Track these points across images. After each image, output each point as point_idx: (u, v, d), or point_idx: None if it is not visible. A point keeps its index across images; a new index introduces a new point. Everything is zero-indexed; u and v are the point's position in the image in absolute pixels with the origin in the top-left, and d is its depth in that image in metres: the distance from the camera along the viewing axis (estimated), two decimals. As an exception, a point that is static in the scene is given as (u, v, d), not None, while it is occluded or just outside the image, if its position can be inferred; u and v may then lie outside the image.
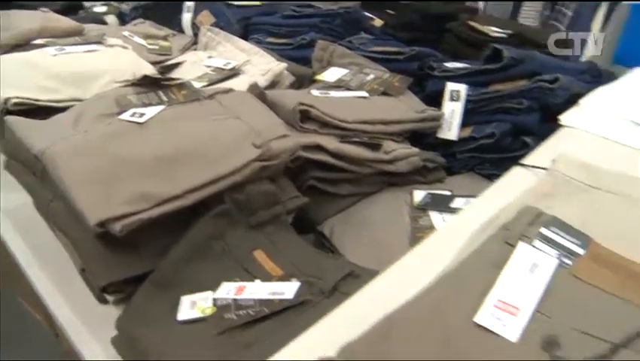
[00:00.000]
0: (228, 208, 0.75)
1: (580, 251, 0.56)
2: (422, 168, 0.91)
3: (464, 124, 0.97)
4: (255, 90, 0.95)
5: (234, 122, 0.85)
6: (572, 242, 0.57)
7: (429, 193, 0.87)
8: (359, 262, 0.74)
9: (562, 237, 0.57)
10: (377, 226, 0.83)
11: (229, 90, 0.95)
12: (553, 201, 0.67)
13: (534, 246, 0.56)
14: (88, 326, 0.74)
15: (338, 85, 1.02)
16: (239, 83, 1.10)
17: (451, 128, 0.96)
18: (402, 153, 0.87)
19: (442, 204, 0.83)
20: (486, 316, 0.51)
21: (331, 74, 1.05)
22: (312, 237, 0.86)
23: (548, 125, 0.91)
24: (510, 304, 0.51)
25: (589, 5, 1.35)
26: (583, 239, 0.57)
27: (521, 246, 0.56)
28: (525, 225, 0.58)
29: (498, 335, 0.49)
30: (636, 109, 0.94)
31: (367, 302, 0.56)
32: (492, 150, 0.93)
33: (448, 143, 0.98)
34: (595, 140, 0.88)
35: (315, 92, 0.97)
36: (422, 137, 0.99)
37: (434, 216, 0.82)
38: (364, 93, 0.98)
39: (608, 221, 0.65)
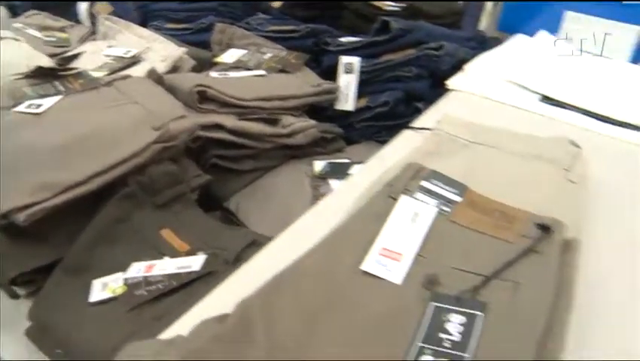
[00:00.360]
0: (132, 190, 0.75)
1: (458, 199, 0.61)
2: (321, 140, 0.94)
3: (359, 95, 1.01)
4: (153, 75, 0.95)
5: (132, 107, 0.85)
6: (450, 192, 0.62)
7: (329, 163, 0.90)
8: (265, 232, 0.76)
9: (441, 188, 0.62)
10: (280, 197, 0.86)
11: (126, 77, 0.95)
12: (437, 157, 0.72)
13: (415, 198, 0.61)
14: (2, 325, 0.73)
15: (237, 66, 1.04)
16: (139, 71, 1.09)
17: (347, 100, 1.00)
18: (300, 127, 0.90)
19: (341, 172, 0.87)
20: (371, 263, 0.54)
21: (230, 56, 1.07)
22: (219, 213, 0.88)
23: (437, 90, 0.97)
24: (394, 250, 0.56)
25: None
26: (461, 188, 0.62)
27: (403, 198, 0.60)
28: (407, 179, 0.63)
29: (383, 279, 0.54)
30: (516, 71, 1.02)
31: (263, 264, 0.59)
32: (387, 118, 0.98)
33: (346, 114, 1.02)
34: (478, 101, 0.94)
35: (213, 74, 0.98)
36: (321, 110, 1.02)
37: (334, 184, 0.86)
38: (261, 72, 1.00)
39: (487, 171, 0.70)
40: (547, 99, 0.94)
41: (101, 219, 0.75)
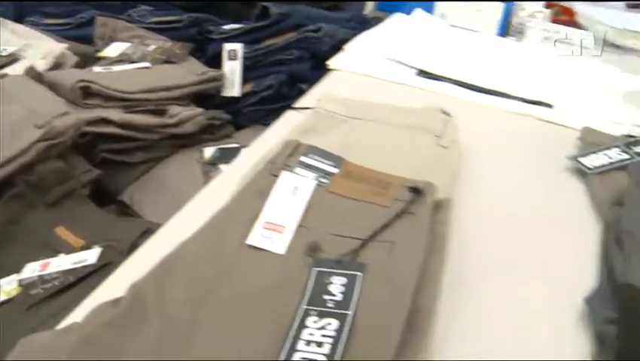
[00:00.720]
0: (21, 190, 0.74)
1: (335, 171, 0.66)
2: (209, 127, 0.96)
3: (245, 80, 1.04)
4: (32, 73, 0.93)
5: (12, 107, 0.83)
6: (328, 164, 0.66)
7: (218, 148, 0.93)
8: (160, 221, 0.77)
9: (319, 161, 0.66)
10: (173, 186, 0.88)
11: (4, 76, 0.93)
12: (316, 133, 0.76)
13: (295, 172, 0.65)
14: None
15: (121, 59, 1.03)
16: (18, 69, 1.06)
17: (233, 86, 1.03)
18: (187, 115, 0.91)
19: (230, 157, 0.89)
20: (256, 237, 0.58)
21: (113, 50, 1.06)
22: (114, 207, 0.89)
23: (320, 71, 1.01)
24: (277, 223, 0.59)
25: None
26: (337, 160, 0.67)
27: (283, 174, 0.64)
28: (287, 156, 0.66)
29: (268, 251, 0.57)
30: (393, 48, 1.08)
31: (155, 248, 0.61)
32: (272, 101, 1.01)
33: (233, 100, 1.04)
34: (359, 79, 0.99)
35: (97, 69, 0.97)
36: (209, 97, 1.04)
37: (224, 169, 0.88)
38: (146, 64, 1.00)
39: (364, 143, 0.75)
40: (423, 73, 1.01)
41: (-10, 223, 0.74)
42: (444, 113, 0.79)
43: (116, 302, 0.51)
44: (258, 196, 0.62)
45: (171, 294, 0.52)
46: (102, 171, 0.84)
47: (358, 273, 0.54)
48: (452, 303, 0.57)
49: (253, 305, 0.52)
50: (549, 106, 0.96)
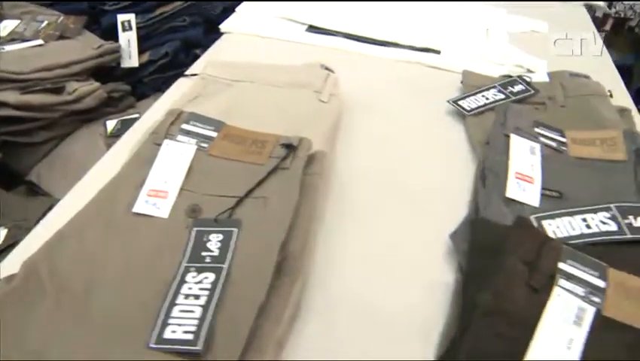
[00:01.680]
0: None
1: (214, 135, 0.69)
2: (111, 100, 0.98)
3: (142, 50, 1.05)
4: None
5: None
6: (208, 129, 0.69)
7: (120, 120, 0.95)
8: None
9: (199, 127, 0.69)
10: (78, 161, 0.89)
11: None
12: (201, 99, 0.79)
13: (177, 140, 0.68)
14: None
15: (12, 38, 1.02)
16: None
17: (131, 57, 1.04)
18: (85, 90, 0.93)
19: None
20: (141, 204, 0.61)
21: (3, 28, 1.05)
22: (24, 188, 0.91)
23: (215, 35, 1.03)
24: (160, 190, 0.63)
25: None
26: (217, 125, 0.70)
27: (166, 142, 0.67)
28: (169, 125, 0.69)
29: (153, 216, 0.61)
30: (283, 7, 1.10)
31: (53, 221, 0.63)
32: (170, 68, 1.03)
33: (133, 70, 1.06)
34: (251, 40, 1.02)
35: (-15, 51, 0.97)
36: (110, 70, 1.05)
37: (125, 139, 0.91)
38: (39, 41, 1.00)
39: (248, 105, 0.78)
40: (313, 29, 1.05)
41: None
42: (325, 68, 0.83)
43: (9, 279, 0.55)
44: (143, 165, 0.65)
45: (64, 265, 0.55)
46: (7, 152, 0.86)
47: (234, 229, 0.59)
48: (328, 246, 0.63)
49: (140, 268, 0.57)
50: (437, 52, 1.01)
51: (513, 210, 0.64)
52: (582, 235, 0.61)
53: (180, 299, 0.53)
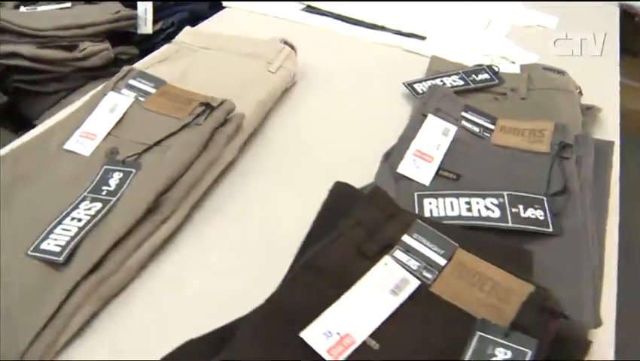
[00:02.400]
0: None
1: (153, 90, 0.76)
2: (119, 61, 1.08)
3: (156, 20, 1.14)
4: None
5: None
6: (150, 86, 0.75)
7: (121, 79, 1.05)
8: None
9: (143, 83, 0.76)
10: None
11: None
12: (165, 62, 0.86)
13: (120, 93, 0.75)
14: None
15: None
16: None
17: (146, 24, 1.13)
18: (93, 50, 1.03)
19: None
20: (72, 143, 0.69)
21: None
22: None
23: (219, 9, 1.10)
24: (90, 132, 0.70)
25: None
26: (159, 83, 0.76)
27: (110, 94, 0.75)
28: (118, 80, 0.77)
29: (78, 153, 0.69)
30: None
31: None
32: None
33: (147, 37, 1.16)
34: (247, 15, 1.08)
35: (22, 9, 1.10)
36: (128, 35, 1.16)
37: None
38: (67, 4, 1.13)
39: (204, 69, 0.84)
40: (309, 8, 1.08)
41: None
42: (285, 42, 0.87)
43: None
44: (87, 111, 0.74)
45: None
46: (19, 99, 0.98)
47: (133, 170, 0.66)
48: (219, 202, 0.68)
49: (56, 192, 0.64)
50: (422, 38, 1.01)
51: (401, 186, 0.65)
52: (459, 217, 0.61)
53: (66, 220, 0.60)
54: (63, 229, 0.59)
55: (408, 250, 0.54)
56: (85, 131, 0.71)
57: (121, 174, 0.65)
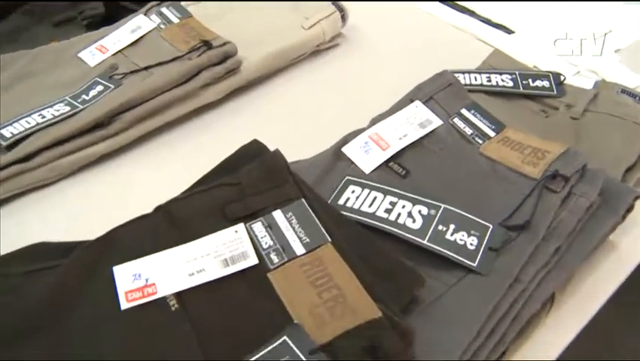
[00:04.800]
0: (32, 8, 1.01)
1: (176, 21, 0.76)
2: None
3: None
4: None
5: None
6: (176, 16, 0.76)
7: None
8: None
9: (171, 13, 0.76)
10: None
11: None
12: None
13: (148, 16, 0.77)
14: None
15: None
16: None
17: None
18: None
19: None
20: (85, 53, 0.73)
21: None
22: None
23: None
24: (104, 46, 0.74)
25: None
26: (184, 14, 0.76)
27: (139, 16, 0.77)
28: (153, 5, 0.79)
29: (85, 62, 0.73)
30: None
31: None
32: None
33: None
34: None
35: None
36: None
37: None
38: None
39: (241, 12, 0.81)
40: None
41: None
42: (338, 8, 0.80)
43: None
44: (115, 28, 0.77)
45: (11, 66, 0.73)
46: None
47: (112, 86, 0.68)
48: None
49: (48, 93, 0.69)
50: (509, 32, 0.86)
51: (337, 166, 0.57)
52: (372, 216, 0.52)
53: (34, 115, 0.64)
54: (26, 121, 0.63)
55: (270, 226, 0.48)
56: (101, 44, 0.75)
57: (102, 88, 0.68)
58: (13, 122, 0.63)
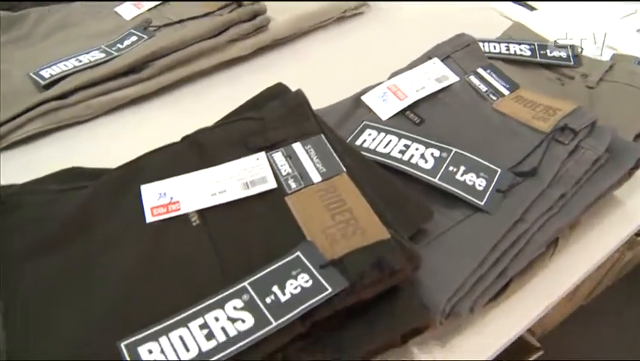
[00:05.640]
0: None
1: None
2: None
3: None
4: None
5: None
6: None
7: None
8: None
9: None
10: None
11: None
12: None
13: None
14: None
15: None
16: None
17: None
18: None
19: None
20: (123, 6, 0.78)
21: None
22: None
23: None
24: (140, 2, 0.78)
25: None
26: None
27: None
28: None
29: (121, 16, 0.77)
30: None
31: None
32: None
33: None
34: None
35: None
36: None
37: None
38: None
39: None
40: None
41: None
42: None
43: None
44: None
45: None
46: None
47: (145, 37, 0.71)
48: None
49: (84, 42, 0.73)
50: (532, 9, 0.88)
51: (356, 113, 0.60)
52: (386, 155, 0.55)
53: (72, 60, 0.68)
54: (64, 64, 0.67)
55: (290, 156, 0.51)
56: (137, 1, 0.78)
57: (136, 38, 0.71)
58: (52, 65, 0.67)
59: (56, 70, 0.66)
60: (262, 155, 0.51)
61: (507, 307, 0.49)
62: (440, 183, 0.51)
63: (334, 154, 0.50)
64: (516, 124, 0.58)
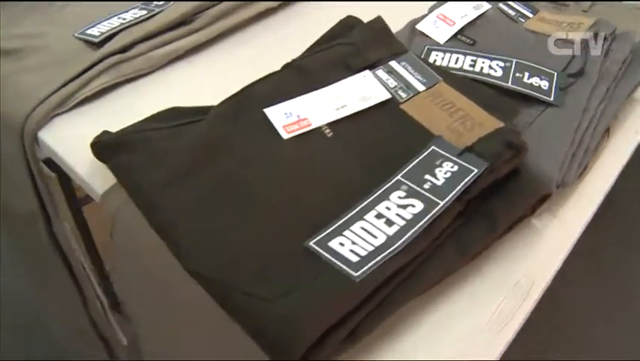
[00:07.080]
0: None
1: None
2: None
3: None
4: None
5: None
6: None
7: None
8: None
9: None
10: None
11: None
12: None
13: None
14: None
15: None
16: None
17: None
18: None
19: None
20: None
21: None
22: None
23: None
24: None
25: None
26: None
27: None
28: None
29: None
30: None
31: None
32: None
33: None
34: None
35: None
36: None
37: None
38: None
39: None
40: None
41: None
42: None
43: None
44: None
45: None
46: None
47: None
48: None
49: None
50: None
51: (415, 41, 0.65)
52: (460, 69, 0.60)
53: (114, 18, 0.67)
54: (109, 22, 0.67)
55: (391, 71, 0.55)
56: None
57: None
58: (97, 24, 0.66)
59: (103, 28, 0.65)
60: (367, 72, 0.55)
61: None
62: (513, 86, 0.58)
63: (427, 67, 0.56)
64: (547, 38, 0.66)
